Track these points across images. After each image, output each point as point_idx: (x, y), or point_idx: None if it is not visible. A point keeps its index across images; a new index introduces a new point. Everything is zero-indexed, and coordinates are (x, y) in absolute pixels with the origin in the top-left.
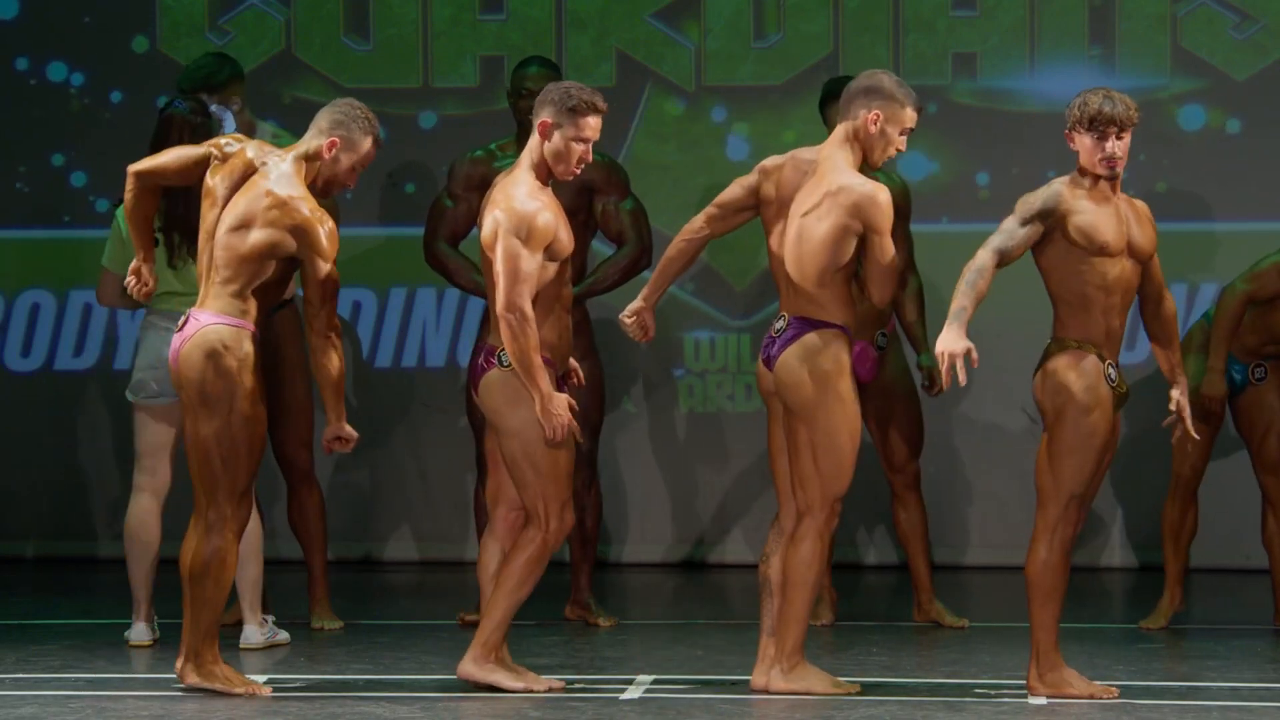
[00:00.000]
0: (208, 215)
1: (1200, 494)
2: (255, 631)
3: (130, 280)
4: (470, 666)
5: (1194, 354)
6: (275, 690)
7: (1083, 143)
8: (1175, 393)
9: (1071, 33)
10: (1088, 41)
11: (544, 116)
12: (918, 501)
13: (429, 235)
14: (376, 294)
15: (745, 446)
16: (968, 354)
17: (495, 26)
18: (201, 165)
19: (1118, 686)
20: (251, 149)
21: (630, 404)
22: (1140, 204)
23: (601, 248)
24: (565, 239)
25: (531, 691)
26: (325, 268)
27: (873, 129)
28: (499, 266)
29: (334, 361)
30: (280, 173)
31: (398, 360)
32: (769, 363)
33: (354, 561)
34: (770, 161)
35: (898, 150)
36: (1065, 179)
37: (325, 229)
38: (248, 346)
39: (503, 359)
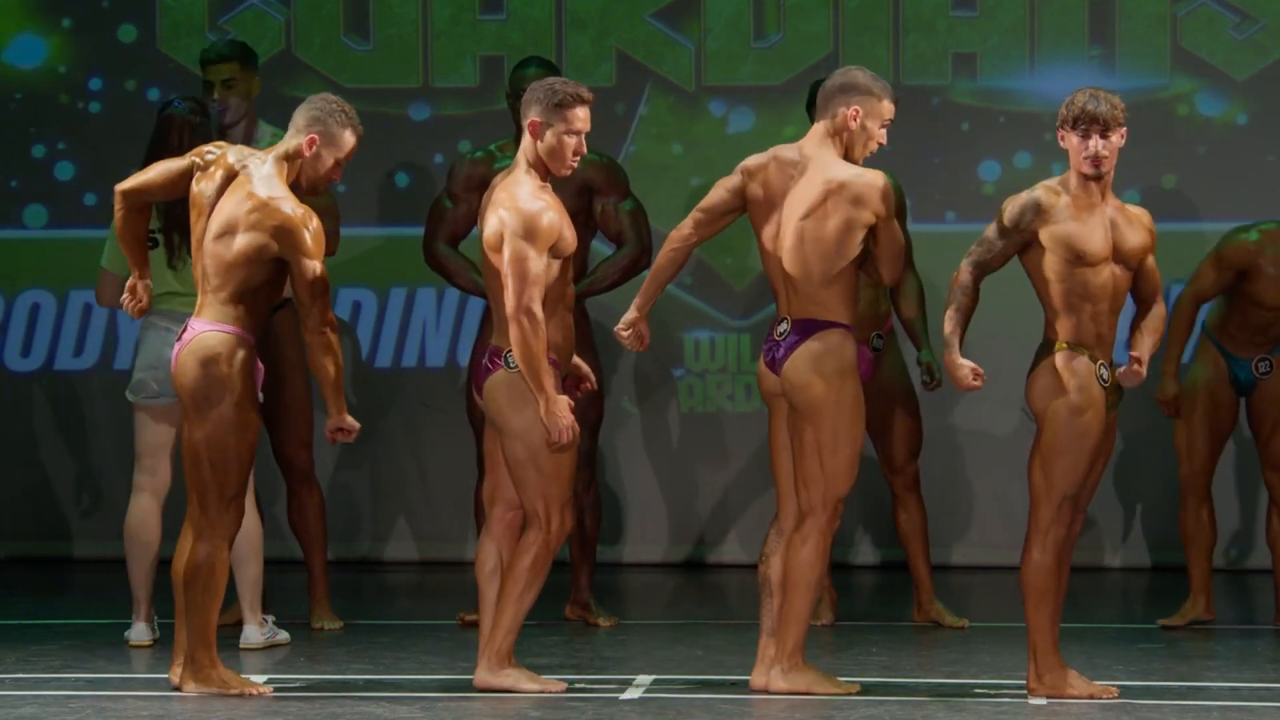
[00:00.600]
0: (196, 224)
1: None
2: (255, 631)
3: (126, 298)
4: (486, 675)
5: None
6: (275, 690)
7: (1070, 142)
8: (1134, 353)
9: (1071, 33)
10: (1088, 41)
11: (532, 116)
12: (918, 502)
13: (429, 236)
14: (376, 294)
15: (745, 446)
16: (975, 373)
17: (495, 26)
18: (186, 177)
19: (1118, 686)
20: (233, 154)
21: (629, 404)
22: (1134, 209)
23: (601, 248)
24: (569, 237)
25: (548, 693)
26: (310, 265)
27: (853, 125)
28: (507, 269)
29: (331, 357)
30: (261, 175)
31: (398, 360)
32: (774, 366)
33: (354, 561)
34: (752, 161)
35: (879, 144)
36: (1051, 182)
37: (310, 227)
38: (240, 353)
39: (509, 360)
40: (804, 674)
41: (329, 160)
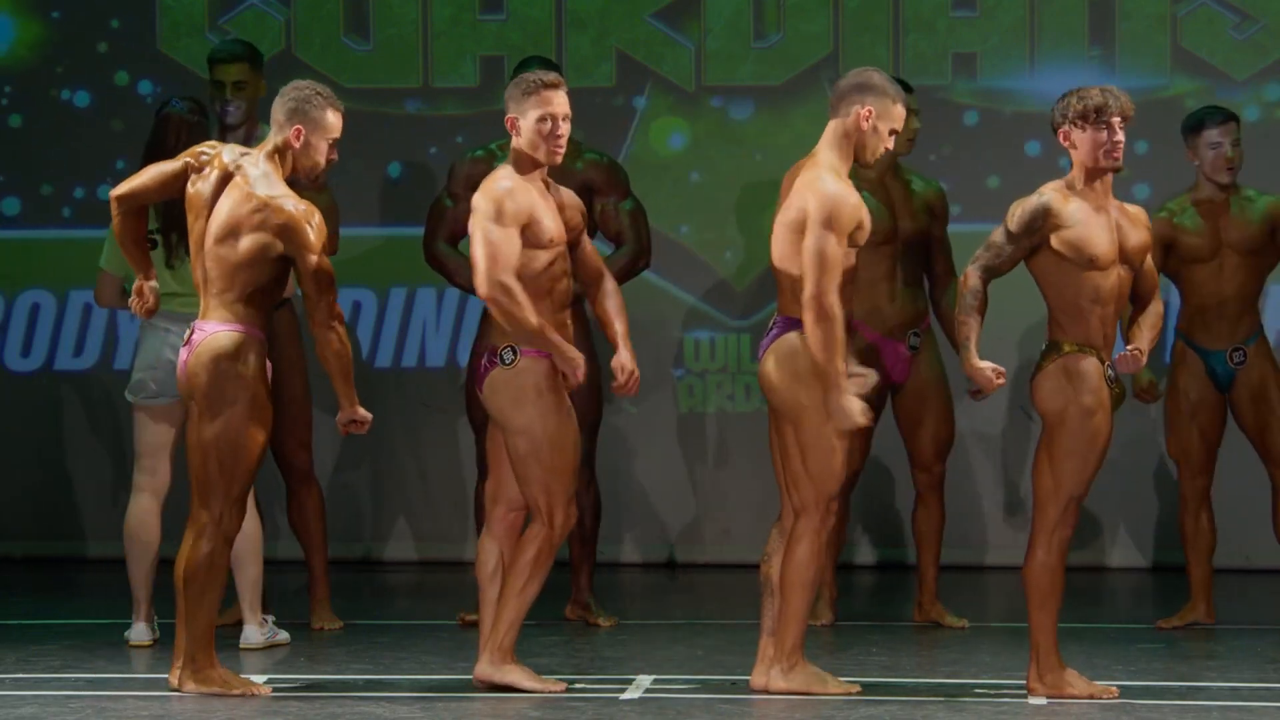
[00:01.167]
0: (195, 226)
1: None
2: (255, 632)
3: (133, 300)
4: (487, 669)
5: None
6: (275, 690)
7: (1083, 138)
8: (1133, 345)
9: (1071, 33)
10: (1088, 41)
11: (509, 114)
12: (939, 503)
13: (429, 235)
14: (376, 294)
15: (745, 446)
16: (997, 373)
17: (495, 26)
18: (180, 178)
19: (1118, 686)
20: (227, 153)
21: (629, 404)
22: (1132, 208)
23: (601, 248)
24: (550, 226)
25: (549, 692)
26: (315, 260)
27: (865, 125)
28: (474, 250)
29: (340, 349)
30: (258, 174)
31: (398, 360)
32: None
33: (354, 561)
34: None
35: (887, 149)
36: (1058, 185)
37: (312, 223)
38: (253, 353)
39: (504, 358)
40: (804, 673)
41: (320, 145)
